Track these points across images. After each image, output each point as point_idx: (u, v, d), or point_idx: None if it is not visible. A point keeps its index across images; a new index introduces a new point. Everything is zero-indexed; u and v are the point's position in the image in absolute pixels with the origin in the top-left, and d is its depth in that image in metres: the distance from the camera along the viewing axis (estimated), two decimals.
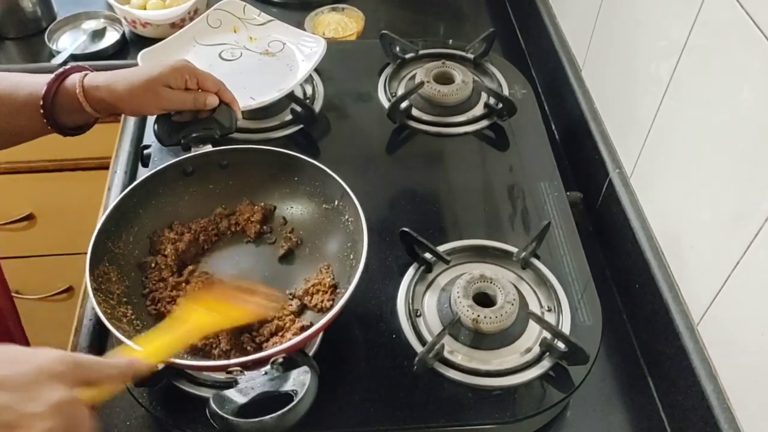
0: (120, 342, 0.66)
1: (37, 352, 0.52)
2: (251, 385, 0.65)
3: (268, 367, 0.66)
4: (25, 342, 0.83)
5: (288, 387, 0.64)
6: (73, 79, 0.81)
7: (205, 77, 0.86)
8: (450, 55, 1.17)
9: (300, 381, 0.64)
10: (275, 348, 0.66)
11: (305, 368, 0.65)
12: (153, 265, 0.80)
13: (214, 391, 0.74)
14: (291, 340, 0.69)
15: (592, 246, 0.97)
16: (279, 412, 0.60)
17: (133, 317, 0.74)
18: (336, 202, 0.82)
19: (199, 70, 0.86)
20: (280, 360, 0.66)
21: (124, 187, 0.99)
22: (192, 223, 0.85)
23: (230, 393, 0.64)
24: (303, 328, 0.75)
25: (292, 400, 0.61)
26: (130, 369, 0.58)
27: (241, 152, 0.86)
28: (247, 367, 0.66)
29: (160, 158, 0.98)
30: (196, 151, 0.85)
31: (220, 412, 0.61)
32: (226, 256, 0.85)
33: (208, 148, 0.86)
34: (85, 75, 0.81)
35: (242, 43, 1.13)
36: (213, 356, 0.73)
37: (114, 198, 0.96)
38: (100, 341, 0.84)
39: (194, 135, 0.87)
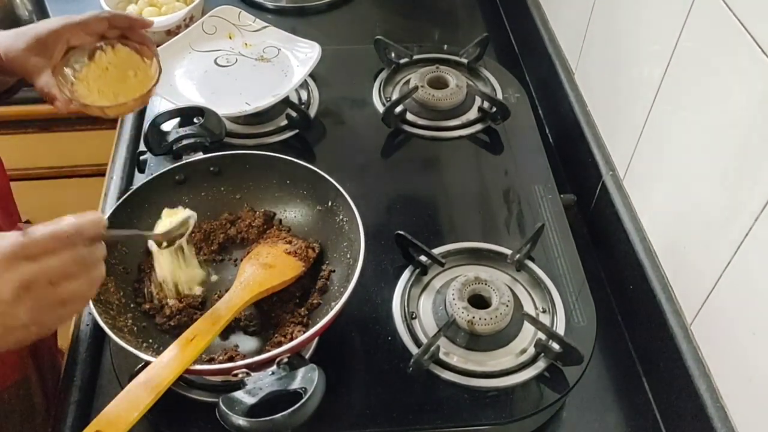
0: (124, 350, 0.66)
1: None
2: (259, 385, 0.65)
3: (275, 367, 0.67)
4: None
5: (296, 385, 0.64)
6: None
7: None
8: (444, 59, 1.17)
9: (308, 378, 0.64)
10: (279, 348, 0.66)
11: (312, 365, 0.65)
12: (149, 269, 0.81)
13: (209, 393, 0.75)
14: (296, 339, 0.69)
15: (586, 248, 0.98)
16: (289, 410, 0.60)
17: (134, 327, 0.74)
18: (330, 203, 0.82)
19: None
20: (286, 360, 0.67)
21: (121, 193, 1.00)
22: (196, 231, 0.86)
23: (239, 394, 0.64)
24: (304, 325, 0.75)
25: (301, 398, 0.62)
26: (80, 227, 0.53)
27: (231, 158, 0.86)
28: (253, 368, 0.66)
29: (156, 164, 0.98)
30: (187, 159, 0.86)
31: (230, 413, 0.61)
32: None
33: (200, 155, 0.86)
34: None
35: (237, 49, 1.14)
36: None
37: (110, 204, 0.97)
38: (97, 347, 0.84)
39: (185, 143, 0.87)
